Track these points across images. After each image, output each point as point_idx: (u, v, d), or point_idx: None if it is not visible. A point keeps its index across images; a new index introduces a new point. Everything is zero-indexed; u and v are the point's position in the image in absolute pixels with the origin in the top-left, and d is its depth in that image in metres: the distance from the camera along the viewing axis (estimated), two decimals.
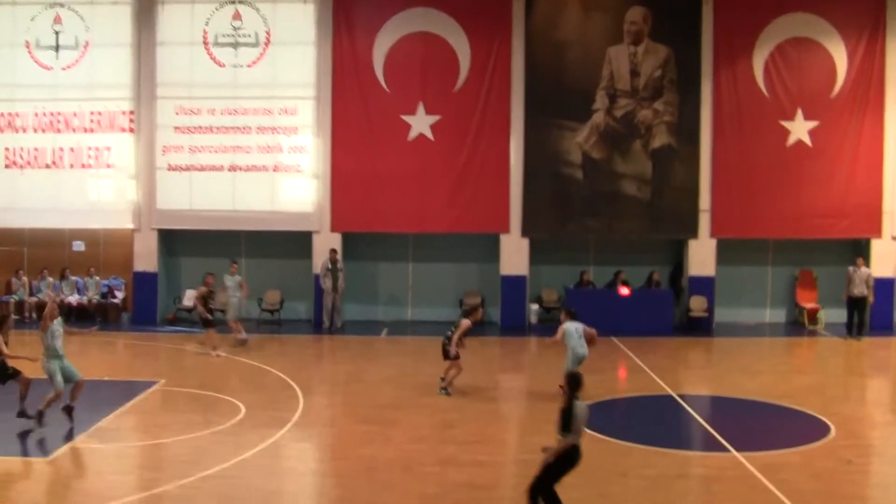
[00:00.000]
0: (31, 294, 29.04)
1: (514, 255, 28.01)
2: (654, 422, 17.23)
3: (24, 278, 29.13)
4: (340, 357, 24.03)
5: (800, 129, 27.67)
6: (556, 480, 11.02)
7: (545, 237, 28.23)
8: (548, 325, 27.49)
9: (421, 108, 27.80)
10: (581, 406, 10.91)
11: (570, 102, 27.75)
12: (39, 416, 15.66)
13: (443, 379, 18.60)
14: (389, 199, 27.86)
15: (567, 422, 10.87)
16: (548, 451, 11.08)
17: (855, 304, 26.59)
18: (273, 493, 13.04)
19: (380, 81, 27.88)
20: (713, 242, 27.91)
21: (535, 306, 28.36)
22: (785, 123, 27.68)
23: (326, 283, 27.37)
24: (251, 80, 28.16)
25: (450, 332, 18.60)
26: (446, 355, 18.56)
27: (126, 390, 19.02)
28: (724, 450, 14.90)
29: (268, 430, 16.01)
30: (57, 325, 16.19)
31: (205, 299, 23.40)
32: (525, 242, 28.01)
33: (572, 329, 18.33)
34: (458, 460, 14.31)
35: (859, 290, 26.49)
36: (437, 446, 15.06)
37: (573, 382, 11.19)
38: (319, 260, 27.84)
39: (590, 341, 18.52)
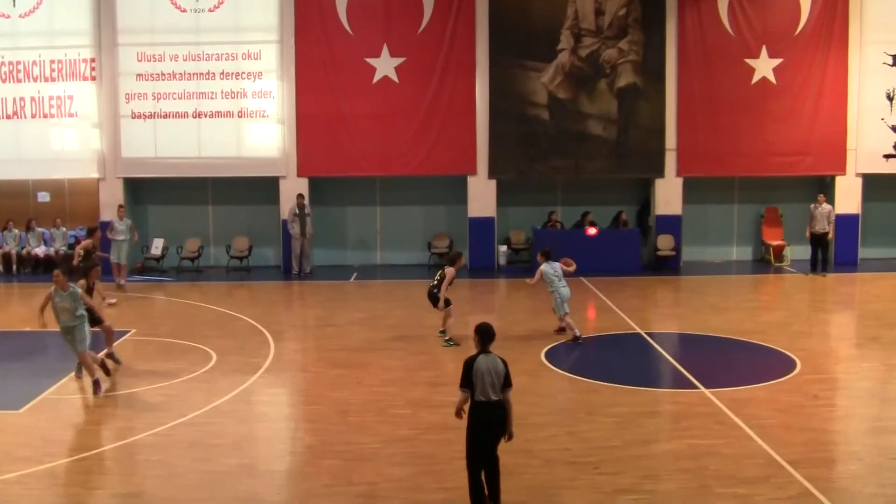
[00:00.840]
0: None
1: (482, 197, 28.05)
2: (622, 360, 17.41)
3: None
4: (310, 302, 24.08)
5: (764, 66, 27.74)
6: (475, 452, 10.16)
7: (512, 178, 28.28)
8: (517, 266, 27.77)
9: (385, 51, 27.64)
10: (488, 360, 10.09)
11: (534, 42, 27.67)
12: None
13: (443, 332, 18.55)
14: (355, 142, 27.78)
15: (464, 376, 10.09)
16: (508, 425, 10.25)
17: (818, 241, 26.90)
18: (246, 439, 13.12)
19: (343, 24, 27.66)
20: (679, 181, 28.06)
21: (503, 248, 28.49)
22: (750, 61, 27.74)
23: (294, 229, 27.33)
24: (213, 25, 27.86)
25: (435, 282, 18.43)
26: (435, 304, 18.43)
27: (96, 340, 18.94)
28: (693, 387, 15.10)
29: (239, 376, 16.08)
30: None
31: (88, 253, 22.41)
32: (492, 184, 28.05)
33: (550, 271, 18.50)
34: (429, 402, 14.43)
35: (821, 226, 26.79)
36: (408, 388, 15.17)
37: (480, 334, 10.29)
38: (287, 205, 27.78)
39: (569, 271, 18.92)
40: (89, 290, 16.35)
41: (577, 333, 18.29)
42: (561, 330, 18.80)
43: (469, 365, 10.10)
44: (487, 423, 10.09)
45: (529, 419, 13.46)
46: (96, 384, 15.16)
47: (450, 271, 18.44)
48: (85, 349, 15.25)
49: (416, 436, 12.88)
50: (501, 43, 27.63)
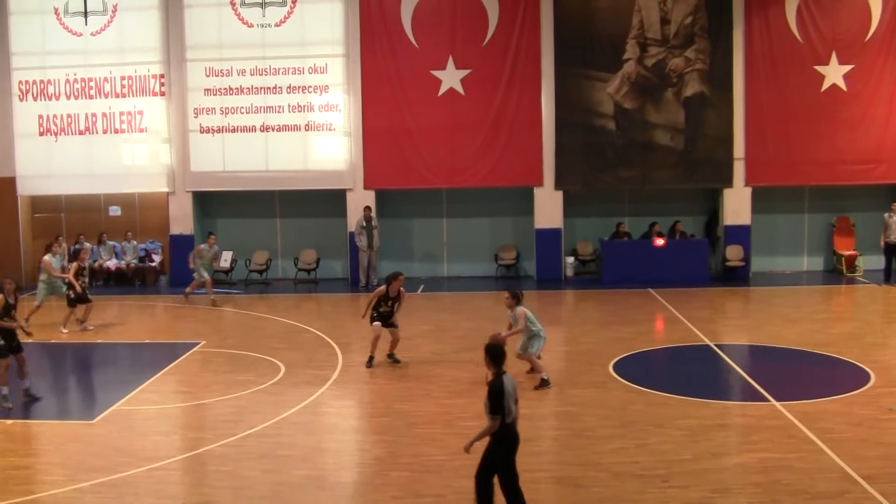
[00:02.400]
0: (70, 259, 29.29)
1: (549, 208, 27.95)
2: (691, 372, 17.21)
3: (64, 244, 29.36)
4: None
5: (834, 73, 27.33)
6: (499, 468, 10.11)
7: (579, 189, 28.14)
8: (584, 278, 27.61)
9: (451, 63, 27.68)
10: (509, 381, 10.09)
11: (600, 52, 27.54)
12: None
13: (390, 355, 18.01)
14: (422, 154, 27.84)
15: (498, 400, 9.90)
16: (471, 438, 10.30)
17: (892, 251, 26.40)
18: (315, 451, 13.18)
19: (408, 36, 27.76)
20: (748, 191, 27.71)
21: (570, 259, 28.32)
22: (819, 68, 27.34)
23: (361, 241, 27.44)
24: (280, 40, 28.12)
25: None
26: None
27: (167, 352, 19.24)
28: (764, 399, 14.89)
29: (308, 388, 16.17)
30: None
31: (78, 274, 21.92)
32: (559, 195, 27.93)
33: (530, 313, 16.45)
34: None
35: (895, 235, 26.31)
36: (476, 401, 15.03)
37: (497, 356, 10.14)
38: (354, 218, 27.90)
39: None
40: (7, 311, 15.60)
41: (546, 376, 16.22)
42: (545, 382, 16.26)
43: (501, 390, 9.94)
44: (516, 441, 10.17)
45: (598, 431, 13.41)
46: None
47: (378, 289, 18.10)
48: None
49: (483, 448, 12.81)
50: (567, 53, 27.54)
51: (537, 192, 27.96)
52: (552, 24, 27.51)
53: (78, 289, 21.60)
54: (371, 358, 17.59)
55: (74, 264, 22.06)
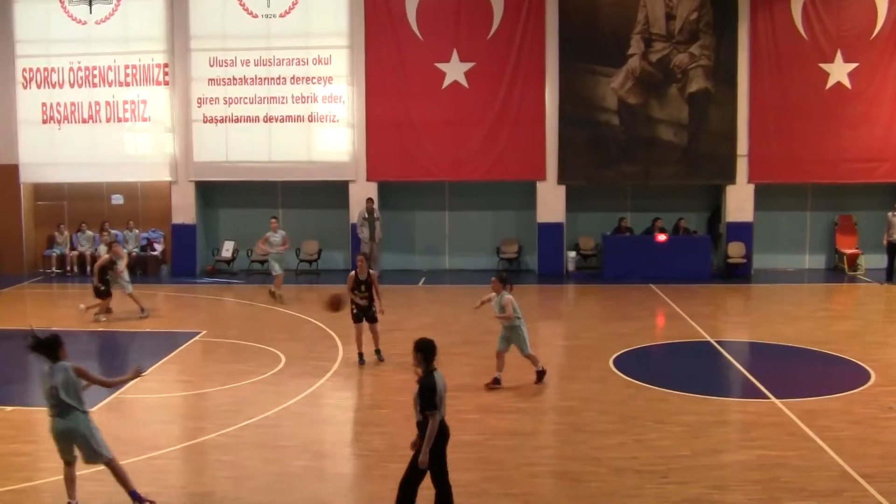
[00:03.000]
0: (72, 248, 29.36)
1: (551, 203, 27.94)
2: (691, 368, 17.25)
3: (66, 232, 29.45)
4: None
5: (839, 71, 27.30)
6: (439, 464, 9.82)
7: (581, 184, 28.11)
8: (585, 273, 27.61)
9: (455, 56, 27.66)
10: (440, 377, 9.84)
11: (604, 47, 27.50)
12: None
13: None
14: (425, 147, 27.83)
15: (430, 397, 9.63)
16: (423, 443, 9.70)
17: (894, 250, 26.36)
18: (314, 441, 13.21)
19: (413, 29, 27.73)
20: (751, 188, 27.70)
21: (572, 253, 28.33)
22: (824, 66, 27.31)
23: (363, 233, 27.42)
24: (284, 30, 28.10)
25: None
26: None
27: (168, 341, 19.27)
28: (763, 396, 14.90)
29: (308, 379, 16.20)
30: None
31: (104, 269, 21.83)
32: (561, 189, 27.92)
33: (515, 303, 15.74)
34: (498, 407, 14.43)
35: None
36: (476, 394, 15.15)
37: (428, 352, 9.86)
38: (356, 209, 27.90)
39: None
40: None
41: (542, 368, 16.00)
42: (542, 374, 15.96)
43: (433, 386, 9.67)
44: (447, 436, 9.94)
45: (597, 426, 13.43)
46: None
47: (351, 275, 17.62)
48: None
49: (482, 441, 12.88)
50: (571, 48, 27.52)
51: (540, 186, 27.95)
52: (557, 19, 27.48)
53: (97, 281, 21.72)
54: (360, 355, 17.41)
55: (106, 257, 22.11)
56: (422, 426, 9.74)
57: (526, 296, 25.30)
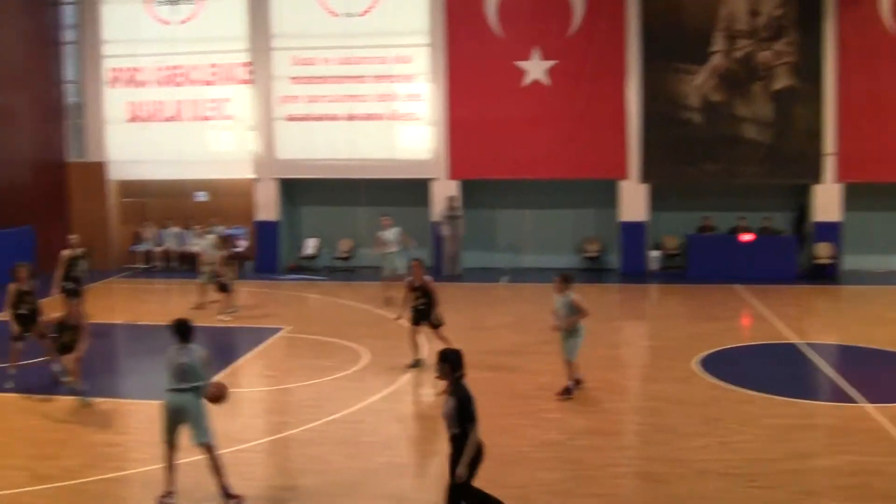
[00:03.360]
0: (158, 244, 29.83)
1: (633, 201, 27.67)
2: (777, 370, 16.90)
3: (152, 229, 29.93)
4: (460, 304, 23.99)
5: None
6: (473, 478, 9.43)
7: (664, 182, 27.78)
8: (668, 272, 27.28)
9: (536, 54, 27.54)
10: (468, 388, 9.34)
11: (687, 45, 27.13)
12: None
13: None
14: (507, 145, 27.72)
15: (469, 408, 9.22)
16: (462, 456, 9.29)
17: None
18: (396, 438, 13.26)
19: (493, 27, 27.66)
20: (839, 187, 27.09)
21: (654, 253, 28.03)
22: None
23: (445, 231, 27.44)
24: (365, 29, 28.21)
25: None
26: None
27: (252, 337, 19.49)
28: (852, 401, 14.58)
29: (390, 375, 16.25)
30: None
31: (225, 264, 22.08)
32: (644, 188, 27.64)
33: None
34: (579, 406, 14.33)
35: None
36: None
37: (457, 362, 9.38)
38: (438, 207, 27.94)
39: None
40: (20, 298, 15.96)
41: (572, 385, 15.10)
42: (577, 382, 15.20)
43: (469, 395, 9.28)
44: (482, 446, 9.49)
45: (681, 428, 13.26)
46: None
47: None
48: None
49: (565, 440, 12.81)
50: (653, 45, 27.21)
51: (622, 184, 27.70)
52: (638, 16, 27.18)
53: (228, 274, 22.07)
54: (416, 361, 16.93)
55: (225, 252, 22.46)
56: (458, 440, 9.31)
57: (607, 295, 25.23)
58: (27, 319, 15.90)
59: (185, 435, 10.85)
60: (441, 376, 9.37)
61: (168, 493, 10.73)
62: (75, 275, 19.41)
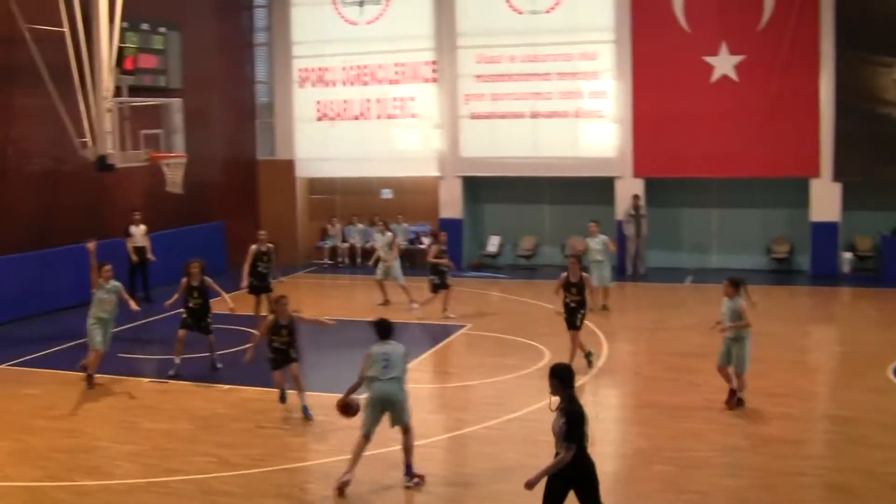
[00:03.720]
0: (344, 240, 30.47)
1: (825, 200, 26.64)
2: None
3: (338, 225, 30.60)
4: (644, 304, 23.69)
5: None
6: (590, 496, 8.86)
7: (859, 181, 26.64)
8: (862, 275, 26.17)
9: (724, 48, 26.85)
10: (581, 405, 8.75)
11: (884, 36, 25.91)
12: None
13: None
14: (692, 143, 27.13)
15: (578, 427, 8.65)
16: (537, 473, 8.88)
17: None
18: None
19: (680, 22, 27.11)
20: None
21: (847, 254, 26.94)
22: None
23: (629, 230, 27.10)
24: (549, 26, 28.10)
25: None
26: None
27: (434, 333, 19.68)
28: None
29: None
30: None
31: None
32: (837, 187, 26.58)
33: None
34: (764, 412, 13.89)
35: None
36: (748, 397, 14.63)
37: (568, 378, 8.87)
38: (622, 206, 27.61)
39: None
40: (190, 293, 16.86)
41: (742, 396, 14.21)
42: (740, 401, 14.16)
43: (582, 413, 8.68)
44: (593, 466, 8.95)
45: (874, 439, 12.71)
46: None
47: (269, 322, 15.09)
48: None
49: (749, 447, 12.46)
50: (848, 37, 26.10)
51: (813, 183, 26.73)
52: (833, 6, 26.12)
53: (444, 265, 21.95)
54: (588, 355, 16.73)
55: (435, 247, 22.27)
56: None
57: (797, 298, 24.46)
58: (196, 314, 16.77)
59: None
60: (553, 392, 8.93)
61: (347, 482, 11.14)
62: (261, 270, 19.75)
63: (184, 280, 16.81)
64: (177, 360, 16.57)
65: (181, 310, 16.94)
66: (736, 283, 14.46)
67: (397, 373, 11.53)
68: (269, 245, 19.96)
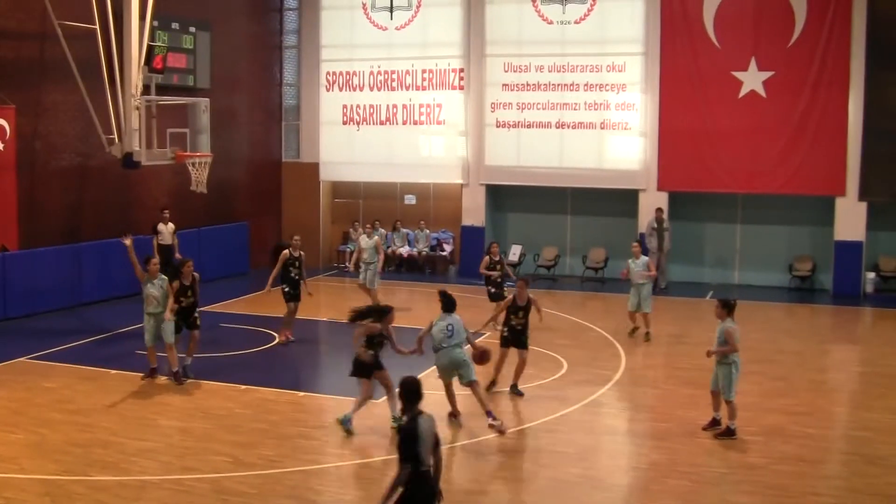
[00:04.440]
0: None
1: (850, 219, 26.45)
2: None
3: (360, 229, 30.59)
4: (664, 318, 23.51)
5: None
6: None
7: (886, 200, 26.45)
8: (885, 296, 25.99)
9: (753, 64, 26.75)
10: (426, 423, 8.47)
11: None
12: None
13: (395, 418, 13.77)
14: (718, 157, 27.03)
15: (408, 446, 8.33)
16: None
17: None
18: (591, 450, 13.11)
19: (710, 36, 27.02)
20: None
21: (871, 274, 26.74)
22: None
23: (651, 243, 26.99)
24: (579, 37, 28.07)
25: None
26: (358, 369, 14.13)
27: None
28: None
29: (589, 387, 16.10)
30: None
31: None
32: (862, 206, 26.39)
33: (738, 333, 13.85)
34: (784, 431, 13.80)
35: None
36: (762, 415, 14.56)
37: (412, 395, 8.61)
38: (645, 219, 27.51)
39: None
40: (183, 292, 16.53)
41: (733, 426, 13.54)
42: (730, 432, 13.48)
43: (414, 435, 8.35)
44: (431, 496, 8.48)
45: (891, 461, 12.67)
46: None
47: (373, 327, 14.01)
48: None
49: (766, 465, 12.37)
50: (881, 56, 25.89)
51: (839, 201, 26.55)
52: (864, 25, 25.94)
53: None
54: (493, 382, 15.95)
55: (486, 258, 21.72)
56: (412, 474, 8.37)
57: (818, 317, 24.32)
58: (186, 311, 16.55)
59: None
60: (401, 409, 8.89)
61: (455, 413, 14.07)
62: (293, 277, 19.29)
63: (175, 283, 16.30)
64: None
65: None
66: (726, 304, 13.77)
67: (459, 339, 13.82)
68: (302, 252, 19.75)
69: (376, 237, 23.57)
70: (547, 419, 14.16)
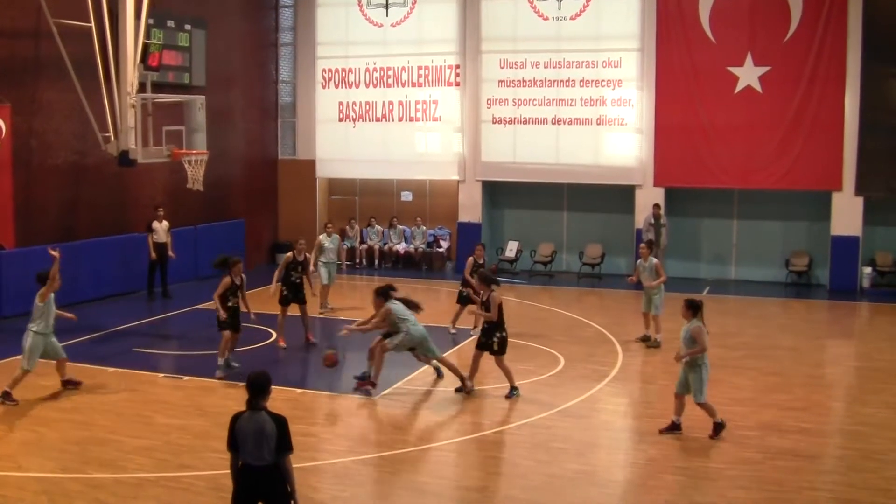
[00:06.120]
0: (362, 241, 30.47)
1: (847, 215, 26.47)
2: None
3: (357, 226, 30.62)
4: (662, 314, 23.60)
5: None
6: None
7: (882, 196, 26.47)
8: (882, 290, 26.02)
9: (749, 59, 26.75)
10: (256, 420, 8.40)
11: None
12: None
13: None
14: (714, 153, 27.04)
15: (229, 435, 8.50)
16: None
17: None
18: (588, 446, 13.11)
19: (706, 32, 27.03)
20: None
21: (867, 269, 26.77)
22: None
23: (648, 239, 27.00)
24: (574, 33, 28.06)
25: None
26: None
27: (449, 337, 19.68)
28: None
29: (586, 382, 16.12)
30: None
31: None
32: (859, 201, 26.41)
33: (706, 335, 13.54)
34: (780, 426, 13.81)
35: None
36: (758, 410, 14.60)
37: (256, 387, 8.52)
38: (642, 215, 27.51)
39: None
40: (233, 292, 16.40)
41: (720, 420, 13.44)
42: (719, 427, 13.36)
43: (231, 425, 8.44)
44: (252, 492, 8.35)
45: (890, 455, 12.65)
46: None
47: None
48: None
49: (763, 460, 12.38)
50: (877, 50, 25.90)
51: (835, 196, 26.56)
52: (861, 20, 25.95)
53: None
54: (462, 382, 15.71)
55: (470, 259, 21.13)
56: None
57: (815, 312, 24.33)
58: (236, 312, 16.51)
59: None
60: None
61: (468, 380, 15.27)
62: (294, 280, 18.96)
63: (226, 279, 16.23)
64: (220, 361, 16.38)
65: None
66: (692, 305, 13.60)
67: (411, 316, 15.25)
68: (307, 255, 19.63)
69: (337, 237, 23.30)
70: (544, 415, 14.17)
